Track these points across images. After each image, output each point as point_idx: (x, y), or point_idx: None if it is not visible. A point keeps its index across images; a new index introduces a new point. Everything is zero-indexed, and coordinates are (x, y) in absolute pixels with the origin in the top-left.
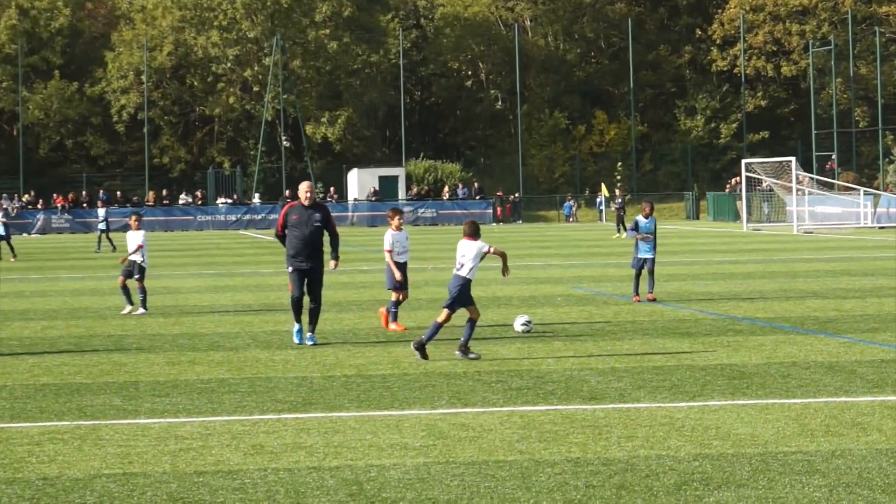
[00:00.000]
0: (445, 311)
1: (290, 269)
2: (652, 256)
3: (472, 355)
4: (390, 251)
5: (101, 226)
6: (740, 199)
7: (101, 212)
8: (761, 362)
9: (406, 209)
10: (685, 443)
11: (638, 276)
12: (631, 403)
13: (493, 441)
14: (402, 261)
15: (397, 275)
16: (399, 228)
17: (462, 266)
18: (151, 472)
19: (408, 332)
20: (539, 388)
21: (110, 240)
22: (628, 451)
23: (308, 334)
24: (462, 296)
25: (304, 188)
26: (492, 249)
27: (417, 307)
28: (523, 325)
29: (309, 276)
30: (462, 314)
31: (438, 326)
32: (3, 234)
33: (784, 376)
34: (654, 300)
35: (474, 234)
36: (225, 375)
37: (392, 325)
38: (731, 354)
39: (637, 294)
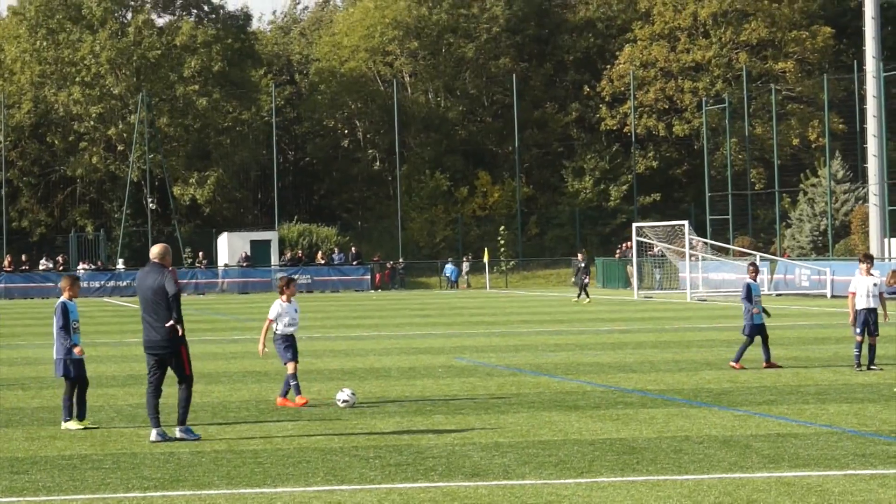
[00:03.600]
0: None
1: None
2: (761, 324)
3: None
4: (272, 321)
5: None
6: (631, 264)
7: None
8: (652, 436)
9: (279, 275)
10: None
11: (749, 343)
12: (516, 480)
13: None
14: (290, 332)
15: (260, 347)
16: (290, 300)
17: None
18: None
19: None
20: (419, 464)
21: None
22: None
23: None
24: None
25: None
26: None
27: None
28: (344, 401)
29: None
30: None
31: None
32: None
33: (676, 451)
34: (774, 367)
35: None
36: (88, 451)
37: (297, 399)
38: (620, 428)
39: (737, 362)
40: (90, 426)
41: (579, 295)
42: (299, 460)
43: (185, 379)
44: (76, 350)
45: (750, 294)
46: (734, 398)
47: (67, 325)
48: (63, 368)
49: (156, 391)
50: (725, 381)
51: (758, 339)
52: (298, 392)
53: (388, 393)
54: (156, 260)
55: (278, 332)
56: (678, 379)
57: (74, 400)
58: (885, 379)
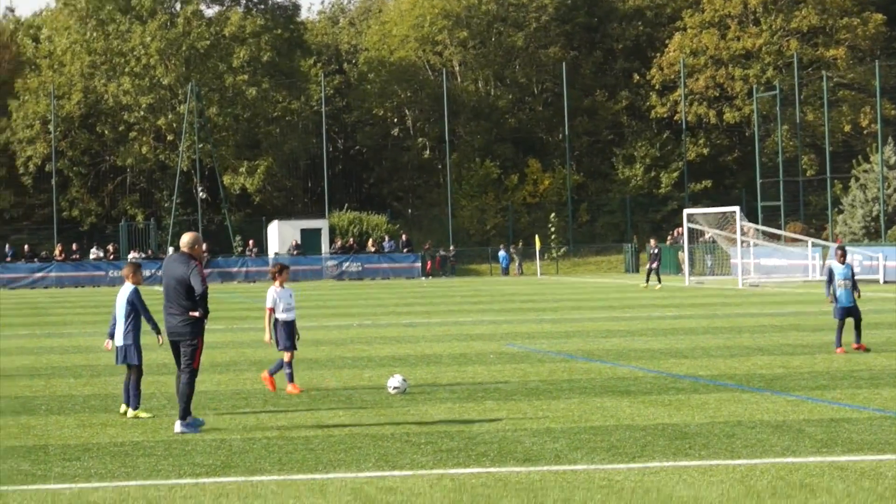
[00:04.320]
0: None
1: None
2: (854, 305)
3: None
4: (272, 309)
5: None
6: (682, 251)
7: None
8: (704, 421)
9: (330, 263)
10: None
11: (841, 326)
12: (567, 465)
13: None
14: (289, 319)
15: (266, 336)
16: (283, 285)
17: None
18: None
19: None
20: (470, 450)
21: None
22: None
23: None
24: None
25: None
26: None
27: (342, 366)
28: (395, 387)
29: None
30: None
31: None
32: None
33: (728, 436)
34: (867, 349)
35: None
36: (139, 438)
37: (288, 388)
38: (672, 413)
39: (840, 346)
40: (143, 415)
41: (648, 280)
42: (351, 446)
43: (190, 370)
44: (159, 339)
45: (832, 277)
46: (787, 383)
47: (146, 310)
48: (134, 355)
49: None
50: (777, 367)
51: (850, 321)
52: (292, 380)
53: (440, 379)
54: (185, 249)
55: (280, 319)
56: (730, 364)
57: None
58: None
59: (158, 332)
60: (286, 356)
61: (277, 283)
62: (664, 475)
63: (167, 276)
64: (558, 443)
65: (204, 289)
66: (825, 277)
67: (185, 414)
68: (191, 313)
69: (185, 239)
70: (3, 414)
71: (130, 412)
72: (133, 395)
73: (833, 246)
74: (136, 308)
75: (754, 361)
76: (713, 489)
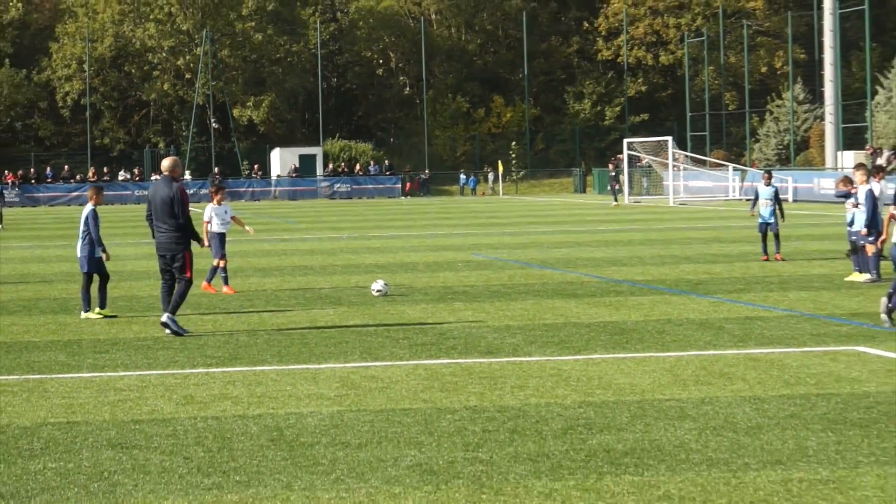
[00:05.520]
0: None
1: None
2: (773, 221)
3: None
4: (208, 222)
5: None
6: (623, 174)
7: None
8: (639, 319)
9: (323, 184)
10: (571, 392)
11: (764, 237)
12: (523, 357)
13: (400, 391)
14: (221, 231)
15: (204, 243)
16: (221, 203)
17: None
18: (92, 421)
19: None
20: (441, 344)
21: (1, 216)
22: (520, 399)
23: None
24: None
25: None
26: None
27: (333, 272)
28: (378, 290)
29: None
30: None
31: None
32: None
33: (659, 332)
34: (782, 260)
35: None
36: (159, 334)
37: (224, 289)
38: (612, 313)
39: (765, 254)
40: (109, 314)
41: (616, 197)
42: (339, 341)
43: (185, 280)
44: (104, 255)
45: (757, 196)
46: (709, 287)
47: (97, 229)
48: (88, 265)
49: (168, 288)
50: (701, 273)
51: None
52: (227, 283)
53: (415, 284)
54: (166, 172)
55: (213, 231)
56: (661, 271)
57: (95, 293)
58: (839, 270)
59: (104, 249)
60: (221, 263)
61: (215, 200)
62: (605, 365)
63: (154, 199)
64: (515, 338)
65: (186, 218)
66: (752, 197)
67: (174, 309)
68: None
69: (166, 163)
70: (44, 313)
71: (93, 314)
72: (100, 298)
73: (751, 170)
74: (89, 226)
75: (682, 268)
76: (646, 377)
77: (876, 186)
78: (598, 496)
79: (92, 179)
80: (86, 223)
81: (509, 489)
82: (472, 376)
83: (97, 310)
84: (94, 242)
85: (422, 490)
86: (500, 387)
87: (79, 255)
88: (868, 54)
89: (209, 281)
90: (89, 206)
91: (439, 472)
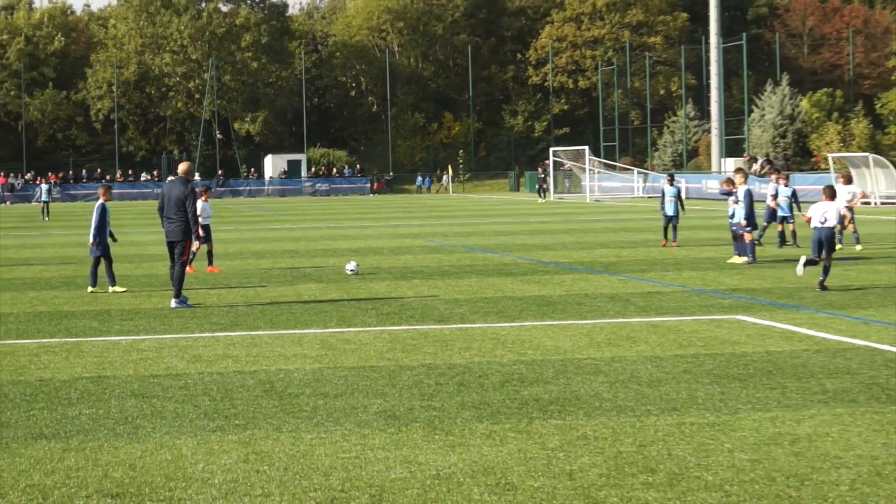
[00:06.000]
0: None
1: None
2: (675, 214)
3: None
4: (199, 215)
5: (45, 196)
6: (549, 175)
7: (45, 187)
8: (562, 294)
9: (307, 184)
10: (507, 352)
11: (666, 228)
12: (469, 324)
13: (369, 352)
14: (206, 223)
15: (200, 234)
16: (206, 201)
17: (826, 220)
18: (119, 375)
19: (222, 273)
20: (402, 314)
21: (48, 209)
22: (466, 358)
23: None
24: (830, 244)
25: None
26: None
27: (315, 255)
28: (351, 270)
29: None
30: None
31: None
32: (46, 198)
33: (579, 304)
34: (677, 246)
35: (832, 196)
36: (174, 305)
37: (189, 269)
38: (540, 288)
39: (665, 240)
40: (119, 290)
41: (543, 196)
42: (320, 311)
43: (182, 262)
44: (92, 244)
45: (664, 194)
46: (618, 268)
47: (105, 223)
48: (93, 250)
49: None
50: (612, 257)
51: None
52: (190, 263)
53: (382, 264)
54: (181, 174)
55: (201, 223)
56: (580, 255)
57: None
58: (722, 254)
59: (96, 242)
60: (200, 248)
61: (203, 198)
62: (534, 330)
63: (169, 195)
64: (462, 308)
65: (193, 213)
66: (659, 195)
67: (178, 293)
68: (190, 243)
69: (182, 167)
70: (81, 287)
71: (90, 289)
72: (104, 276)
73: (651, 173)
74: (97, 220)
75: (597, 252)
76: (567, 340)
77: (772, 186)
78: (529, 436)
79: (119, 180)
80: (95, 216)
81: (457, 431)
82: (427, 340)
83: (110, 288)
84: (101, 230)
85: (386, 431)
86: (449, 348)
87: (90, 241)
88: (745, 80)
89: (211, 264)
90: (100, 201)
91: (400, 416)
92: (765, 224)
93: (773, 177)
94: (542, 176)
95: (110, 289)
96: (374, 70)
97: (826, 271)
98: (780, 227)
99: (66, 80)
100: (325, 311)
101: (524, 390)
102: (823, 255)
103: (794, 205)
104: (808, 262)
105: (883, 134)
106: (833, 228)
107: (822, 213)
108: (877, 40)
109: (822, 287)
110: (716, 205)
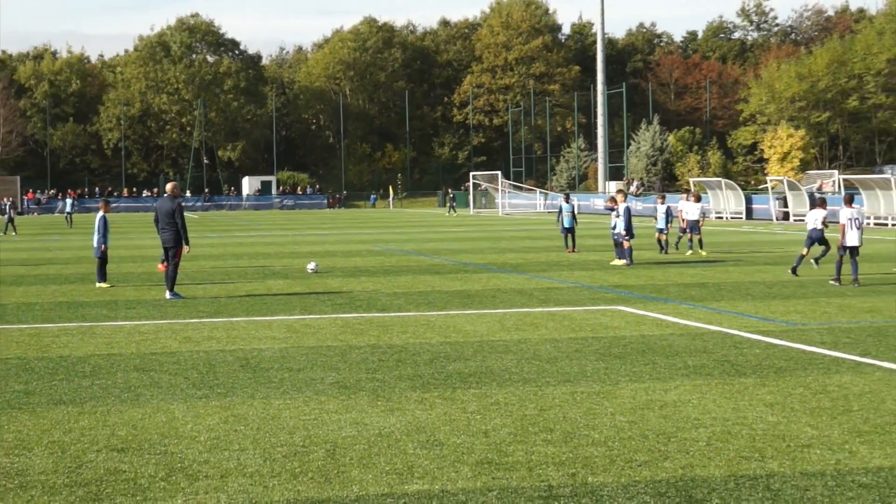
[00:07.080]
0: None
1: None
2: (571, 226)
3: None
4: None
5: (68, 209)
6: (469, 194)
7: (69, 201)
8: (480, 288)
9: (276, 200)
10: (436, 335)
11: (566, 237)
12: (405, 313)
13: (325, 334)
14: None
15: (189, 242)
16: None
17: (816, 221)
18: (124, 353)
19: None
20: (352, 304)
21: (71, 219)
22: (403, 339)
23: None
24: (825, 241)
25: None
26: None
27: (283, 256)
28: (311, 269)
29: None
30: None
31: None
32: (70, 210)
33: (492, 297)
34: (577, 252)
35: (823, 204)
36: (168, 297)
37: (160, 266)
38: (462, 284)
39: (567, 248)
40: (111, 286)
41: (448, 212)
42: (286, 302)
43: (174, 263)
44: (102, 248)
45: (561, 210)
46: (525, 268)
47: (107, 231)
48: (98, 252)
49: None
50: (520, 259)
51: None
52: (161, 262)
53: (335, 265)
54: (169, 192)
55: (96, 236)
56: (494, 258)
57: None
58: (606, 258)
59: (101, 247)
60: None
61: (102, 211)
62: (458, 318)
63: (160, 210)
64: (399, 300)
65: (182, 223)
66: (557, 210)
67: (171, 288)
68: (182, 249)
69: (168, 187)
70: (94, 282)
71: (98, 284)
72: (112, 274)
73: (551, 193)
74: (98, 229)
75: (508, 256)
76: (483, 325)
77: (665, 208)
78: (453, 402)
79: (125, 196)
80: (97, 225)
81: (395, 397)
82: (372, 325)
83: (103, 284)
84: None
85: (339, 398)
86: (389, 332)
87: (94, 245)
88: (625, 120)
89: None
90: (100, 213)
91: (350, 386)
92: (679, 234)
93: (658, 197)
94: (452, 196)
95: (97, 284)
96: (330, 109)
97: (839, 267)
98: (657, 237)
99: (82, 115)
100: (290, 301)
101: (449, 365)
102: (823, 248)
103: (668, 219)
104: (812, 261)
105: (733, 163)
106: (822, 230)
107: (814, 220)
108: (728, 89)
109: (843, 279)
110: (601, 218)
